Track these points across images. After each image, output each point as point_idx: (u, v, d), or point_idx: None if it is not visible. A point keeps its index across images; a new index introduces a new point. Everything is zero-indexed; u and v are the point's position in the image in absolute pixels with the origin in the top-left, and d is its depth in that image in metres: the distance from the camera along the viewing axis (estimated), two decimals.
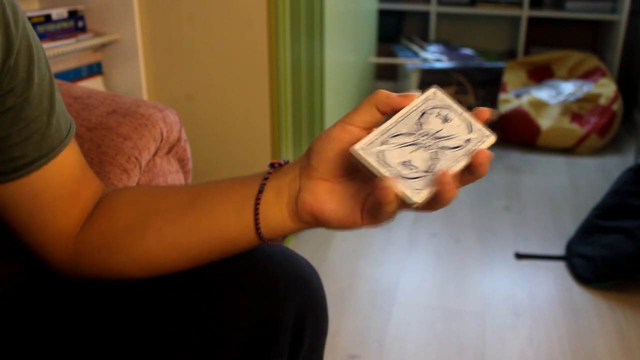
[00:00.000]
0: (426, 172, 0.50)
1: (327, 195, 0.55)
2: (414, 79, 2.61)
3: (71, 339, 0.60)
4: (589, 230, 1.84)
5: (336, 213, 0.55)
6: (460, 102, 2.59)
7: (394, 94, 0.53)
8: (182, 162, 1.00)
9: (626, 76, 3.11)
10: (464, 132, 0.52)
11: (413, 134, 0.52)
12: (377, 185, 0.49)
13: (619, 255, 1.67)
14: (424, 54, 2.87)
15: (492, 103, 2.63)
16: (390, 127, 0.52)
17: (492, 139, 0.52)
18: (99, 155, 0.83)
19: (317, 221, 0.55)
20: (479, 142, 0.52)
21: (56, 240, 0.61)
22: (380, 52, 3.25)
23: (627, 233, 1.70)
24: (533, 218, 2.09)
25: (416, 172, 0.50)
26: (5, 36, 0.52)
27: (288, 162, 0.59)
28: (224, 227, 0.58)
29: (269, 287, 0.63)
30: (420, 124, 0.52)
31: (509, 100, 2.83)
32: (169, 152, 0.96)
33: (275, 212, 0.56)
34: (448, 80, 2.59)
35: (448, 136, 0.52)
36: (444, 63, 2.66)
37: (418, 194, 0.48)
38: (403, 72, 2.92)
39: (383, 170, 0.49)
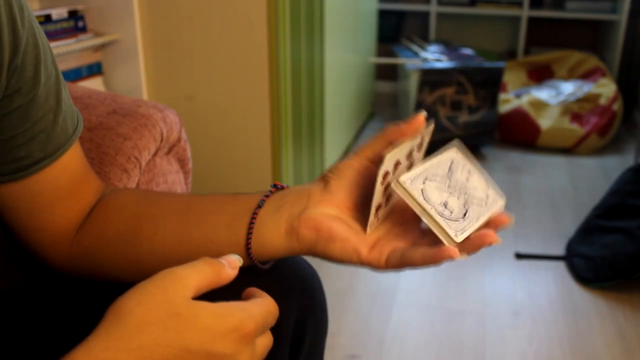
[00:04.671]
0: (462, 217, 0.51)
1: (336, 217, 0.53)
2: (414, 79, 2.61)
3: (72, 339, 0.60)
4: (589, 230, 1.84)
5: (343, 233, 0.52)
6: (460, 102, 2.59)
7: (400, 125, 0.54)
8: (182, 162, 1.00)
9: (626, 76, 3.11)
10: (484, 188, 0.55)
11: (447, 179, 0.53)
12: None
13: (619, 255, 1.67)
14: (424, 54, 2.86)
15: (492, 103, 2.63)
16: (428, 168, 0.53)
17: (503, 201, 0.56)
18: (99, 155, 0.83)
19: (318, 238, 0.52)
20: (495, 200, 0.55)
21: (54, 241, 0.61)
22: (380, 52, 3.25)
23: (627, 233, 1.70)
24: (533, 218, 2.09)
25: (454, 215, 0.51)
26: (12, 34, 0.52)
27: (289, 187, 0.57)
28: (212, 240, 0.56)
29: (269, 289, 0.63)
30: (450, 172, 0.54)
31: (509, 100, 2.82)
32: (169, 152, 0.96)
33: (270, 229, 0.54)
34: (448, 80, 2.59)
35: (474, 187, 0.55)
36: (444, 63, 2.66)
37: (456, 236, 0.50)
38: (403, 72, 2.92)
39: (426, 206, 0.50)
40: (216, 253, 0.55)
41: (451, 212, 0.51)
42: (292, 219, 0.53)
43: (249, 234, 0.55)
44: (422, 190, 0.51)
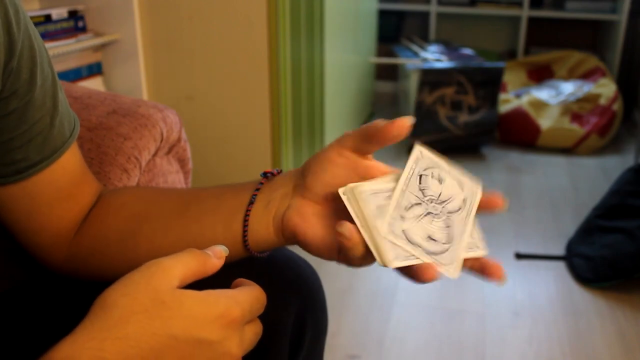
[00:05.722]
0: (447, 243, 0.51)
1: (314, 219, 0.53)
2: (414, 79, 2.61)
3: None
4: (589, 230, 1.84)
5: (317, 240, 0.53)
6: (460, 102, 2.59)
7: (384, 123, 0.50)
8: (182, 162, 1.00)
9: (626, 76, 3.11)
10: (459, 191, 0.53)
11: (422, 202, 0.51)
12: (340, 233, 0.47)
13: (619, 255, 1.67)
14: (424, 54, 2.86)
15: (492, 103, 2.63)
16: (400, 200, 0.50)
17: (480, 191, 0.54)
18: (99, 155, 0.83)
19: (296, 241, 0.54)
20: (472, 200, 0.53)
21: (53, 242, 0.61)
22: (380, 52, 3.25)
23: (627, 233, 1.70)
24: (533, 218, 2.09)
25: (440, 245, 0.51)
26: (7, 37, 0.52)
27: (281, 171, 0.58)
28: (211, 238, 0.57)
29: (269, 289, 0.63)
30: (422, 190, 0.52)
31: (509, 100, 2.82)
32: (169, 152, 0.96)
33: (262, 226, 0.56)
34: (448, 80, 2.59)
35: (449, 199, 0.52)
36: (444, 63, 2.66)
37: (453, 269, 0.51)
38: (403, 72, 2.92)
39: (417, 253, 0.49)
40: None
41: (436, 243, 0.50)
42: (277, 218, 0.55)
43: (244, 230, 0.56)
44: (403, 232, 0.49)
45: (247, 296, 0.44)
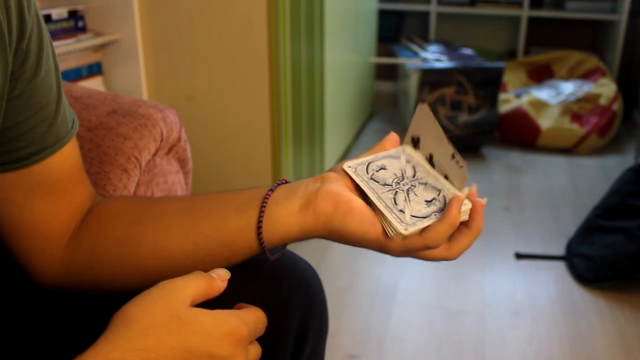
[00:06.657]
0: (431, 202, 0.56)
1: (354, 193, 0.55)
2: (414, 79, 2.61)
3: (69, 347, 0.59)
4: (589, 230, 1.84)
5: (361, 207, 0.54)
6: (460, 102, 2.59)
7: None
8: (182, 162, 1.00)
9: (626, 76, 3.11)
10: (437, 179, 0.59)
11: (414, 178, 0.58)
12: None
13: (619, 255, 1.67)
14: (424, 54, 2.86)
15: (492, 103, 2.63)
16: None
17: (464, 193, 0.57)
18: (99, 155, 0.83)
19: (335, 210, 0.54)
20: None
21: (44, 247, 0.59)
22: (380, 52, 3.25)
23: (627, 233, 1.70)
24: (533, 218, 2.09)
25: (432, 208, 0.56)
26: (19, 19, 0.52)
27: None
28: (221, 228, 0.56)
29: (272, 295, 0.63)
30: (414, 171, 0.59)
31: (509, 100, 2.82)
32: (169, 152, 0.96)
33: (284, 207, 0.55)
34: (448, 80, 2.59)
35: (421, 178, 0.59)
36: (444, 63, 2.66)
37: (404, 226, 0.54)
38: (403, 72, 2.92)
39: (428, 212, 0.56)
40: (225, 241, 0.56)
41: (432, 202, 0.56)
42: (308, 194, 0.55)
43: (260, 215, 0.55)
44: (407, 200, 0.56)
45: (252, 317, 0.47)
